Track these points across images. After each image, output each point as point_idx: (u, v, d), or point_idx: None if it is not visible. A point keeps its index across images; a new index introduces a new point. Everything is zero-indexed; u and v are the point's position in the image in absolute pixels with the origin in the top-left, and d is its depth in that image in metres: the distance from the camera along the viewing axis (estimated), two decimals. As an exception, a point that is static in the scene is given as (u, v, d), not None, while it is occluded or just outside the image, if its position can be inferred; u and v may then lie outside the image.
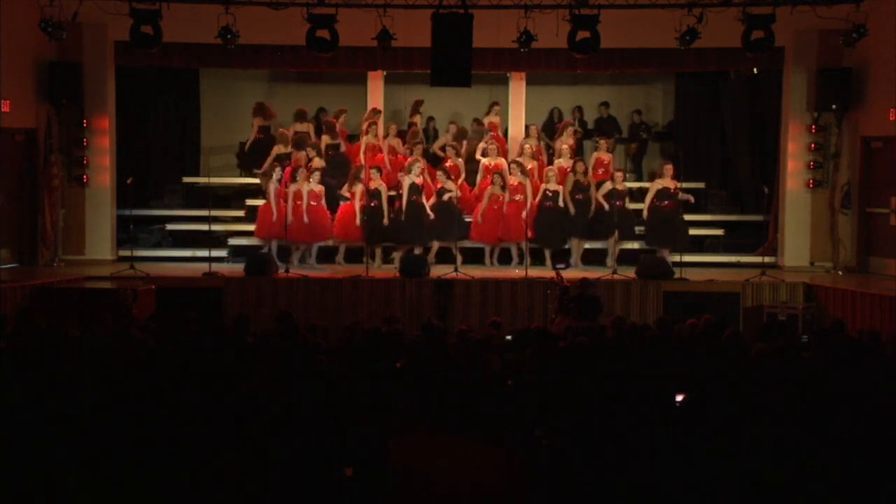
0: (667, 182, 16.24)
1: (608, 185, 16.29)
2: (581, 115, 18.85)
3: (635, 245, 16.51)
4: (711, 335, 9.45)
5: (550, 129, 18.31)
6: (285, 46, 16.56)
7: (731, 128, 18.68)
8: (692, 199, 16.44)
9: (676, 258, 15.71)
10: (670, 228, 16.14)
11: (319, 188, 16.03)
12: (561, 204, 16.19)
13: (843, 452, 5.50)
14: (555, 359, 7.95)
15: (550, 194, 16.18)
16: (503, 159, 16.77)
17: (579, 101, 19.07)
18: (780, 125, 17.19)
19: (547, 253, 16.31)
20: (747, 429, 5.89)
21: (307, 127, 17.70)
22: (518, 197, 16.08)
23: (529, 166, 16.57)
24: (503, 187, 16.14)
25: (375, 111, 17.60)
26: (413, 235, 16.07)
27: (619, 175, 16.53)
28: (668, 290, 14.89)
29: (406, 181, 16.05)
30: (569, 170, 16.52)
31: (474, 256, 16.48)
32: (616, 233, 16.08)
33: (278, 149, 17.17)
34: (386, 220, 15.84)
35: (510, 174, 16.34)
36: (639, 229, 16.52)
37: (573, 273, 14.92)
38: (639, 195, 17.10)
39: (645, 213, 16.32)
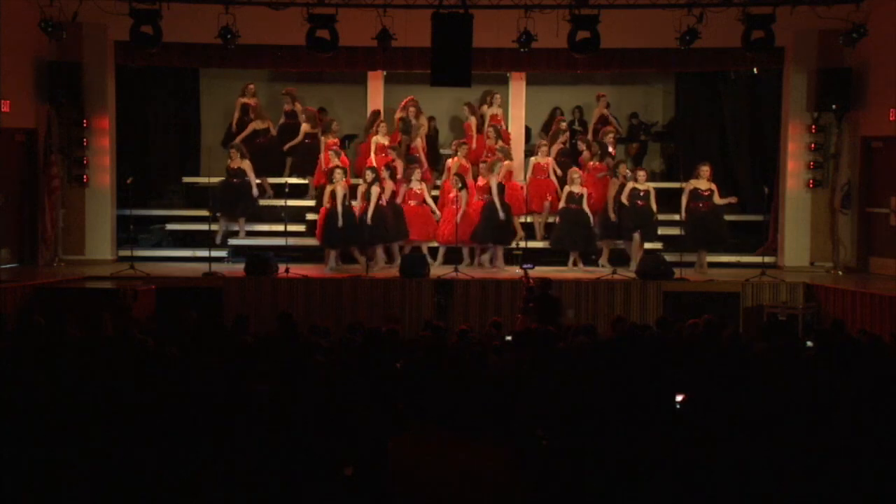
0: (701, 183, 16.00)
1: (630, 185, 16.12)
2: (581, 115, 18.83)
3: (658, 245, 16.40)
4: (711, 335, 9.46)
5: (549, 129, 18.25)
6: (285, 46, 16.54)
7: (731, 128, 18.66)
8: (735, 201, 16.24)
9: (676, 257, 15.68)
10: (708, 229, 15.92)
11: (420, 187, 16.13)
12: (585, 207, 15.99)
13: (844, 452, 5.51)
14: (555, 359, 7.97)
15: (576, 196, 16.04)
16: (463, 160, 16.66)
17: (579, 101, 19.04)
18: (780, 125, 17.17)
19: (571, 254, 16.21)
20: (747, 429, 5.89)
21: (297, 108, 17.90)
22: (486, 196, 15.97)
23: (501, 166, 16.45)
24: (461, 188, 16.01)
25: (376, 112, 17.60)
26: (499, 235, 15.98)
27: (641, 174, 16.25)
28: (668, 290, 14.88)
29: (492, 181, 15.90)
30: (545, 165, 16.56)
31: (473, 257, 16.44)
32: (638, 233, 15.97)
33: (255, 125, 17.44)
34: (340, 223, 15.53)
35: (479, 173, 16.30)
36: (663, 230, 16.39)
37: (542, 273, 14.43)
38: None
39: (682, 215, 16.06)
